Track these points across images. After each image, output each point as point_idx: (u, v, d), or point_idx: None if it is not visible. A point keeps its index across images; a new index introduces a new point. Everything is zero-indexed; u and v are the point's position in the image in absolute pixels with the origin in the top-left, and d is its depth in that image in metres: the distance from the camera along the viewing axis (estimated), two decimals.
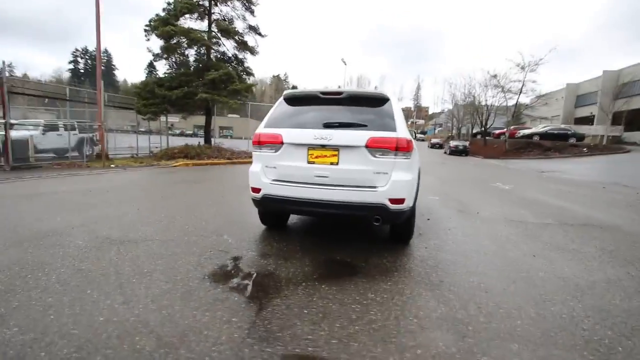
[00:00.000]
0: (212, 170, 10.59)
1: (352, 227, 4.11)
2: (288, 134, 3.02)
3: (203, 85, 13.54)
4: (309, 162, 2.97)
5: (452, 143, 27.02)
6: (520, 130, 28.08)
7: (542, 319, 2.16)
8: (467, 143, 27.17)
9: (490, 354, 1.77)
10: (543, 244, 3.74)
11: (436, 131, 62.50)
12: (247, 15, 15.68)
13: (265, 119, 3.31)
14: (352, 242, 3.58)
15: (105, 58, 65.14)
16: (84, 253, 2.98)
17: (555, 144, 22.86)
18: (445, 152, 27.31)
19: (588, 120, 34.53)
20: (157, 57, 14.76)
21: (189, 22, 14.63)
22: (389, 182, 2.84)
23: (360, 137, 2.86)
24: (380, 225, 3.12)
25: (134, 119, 14.84)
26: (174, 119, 25.81)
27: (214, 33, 15.07)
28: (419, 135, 41.22)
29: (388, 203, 2.82)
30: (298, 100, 3.33)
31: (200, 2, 14.58)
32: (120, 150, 14.19)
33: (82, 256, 2.91)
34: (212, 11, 15.10)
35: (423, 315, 2.14)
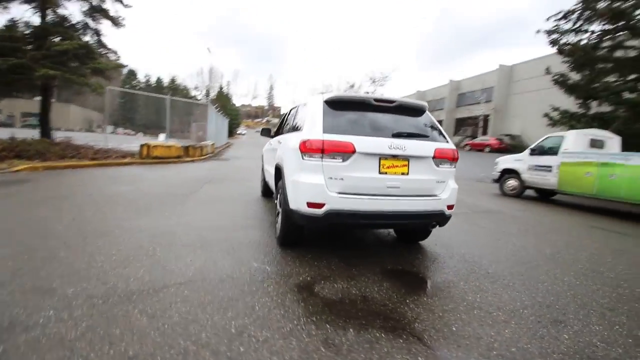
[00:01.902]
0: (87, 175, 7.82)
1: (347, 234, 4.11)
2: (361, 143, 2.78)
3: (44, 58, 9.74)
4: (380, 173, 2.84)
5: None
6: None
7: (602, 287, 2.95)
8: None
9: (633, 320, 2.38)
10: (495, 230, 4.85)
11: None
12: None
13: (316, 123, 2.89)
14: (372, 248, 3.64)
15: None
16: (95, 329, 1.85)
17: None
18: None
19: None
20: None
21: None
22: (446, 190, 3.09)
23: (429, 147, 2.97)
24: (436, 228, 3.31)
25: None
26: None
27: None
28: None
29: (445, 209, 3.07)
30: (344, 104, 3.08)
31: None
32: None
33: (99, 337, 1.80)
34: None
35: (543, 306, 2.52)
